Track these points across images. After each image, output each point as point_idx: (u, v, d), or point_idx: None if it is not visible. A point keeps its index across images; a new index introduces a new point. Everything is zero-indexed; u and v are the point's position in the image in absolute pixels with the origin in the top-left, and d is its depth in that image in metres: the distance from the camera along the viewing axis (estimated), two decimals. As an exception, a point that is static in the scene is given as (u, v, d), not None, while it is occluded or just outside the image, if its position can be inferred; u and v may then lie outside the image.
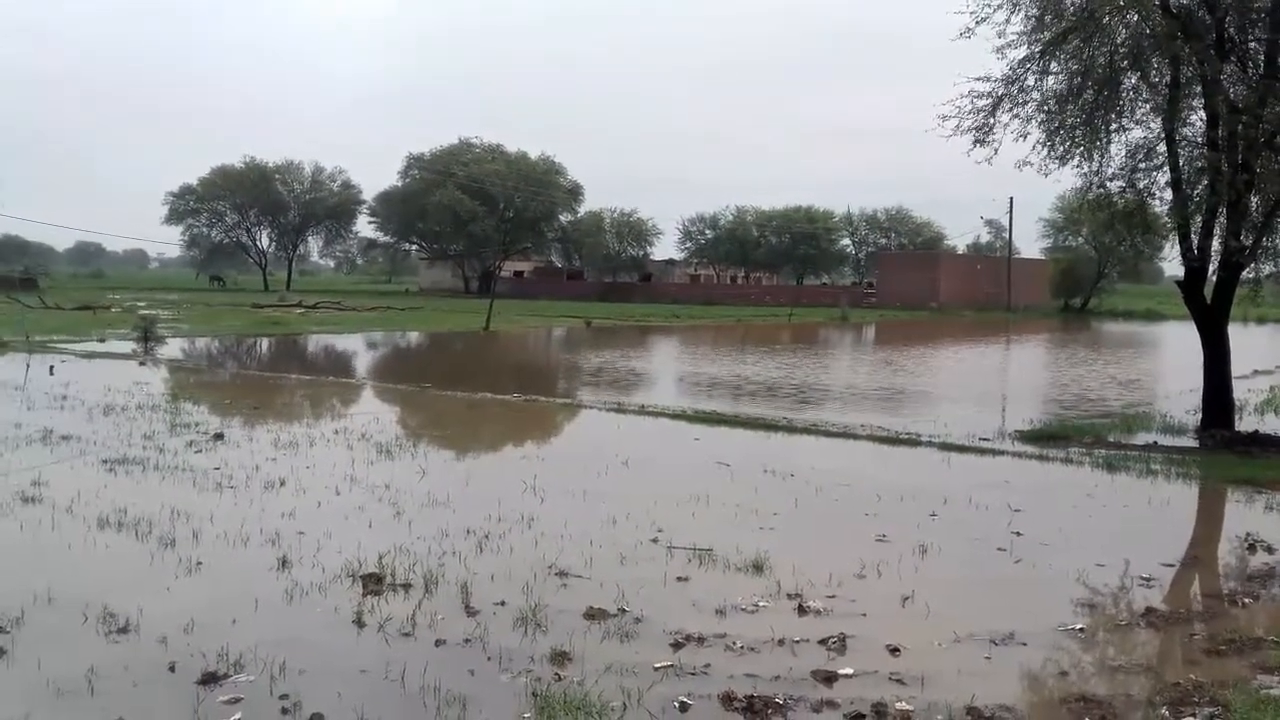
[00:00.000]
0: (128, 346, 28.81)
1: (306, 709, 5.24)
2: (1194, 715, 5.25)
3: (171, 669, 5.74)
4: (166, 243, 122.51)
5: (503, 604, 6.85)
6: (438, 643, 6.22)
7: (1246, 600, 7.44)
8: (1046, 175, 15.23)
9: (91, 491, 9.90)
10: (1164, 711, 5.36)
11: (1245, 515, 10.43)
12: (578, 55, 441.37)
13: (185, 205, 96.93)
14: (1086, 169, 15.18)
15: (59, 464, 11.46)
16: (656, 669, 5.82)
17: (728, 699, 5.44)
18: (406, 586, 7.23)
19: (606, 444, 13.61)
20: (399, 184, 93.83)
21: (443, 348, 35.73)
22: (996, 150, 15.28)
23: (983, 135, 15.17)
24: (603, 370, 26.84)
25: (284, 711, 5.24)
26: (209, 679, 5.59)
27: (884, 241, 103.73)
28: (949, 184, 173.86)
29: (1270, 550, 8.78)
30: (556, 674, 5.73)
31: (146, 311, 38.18)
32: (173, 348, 29.83)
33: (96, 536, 8.45)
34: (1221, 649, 6.38)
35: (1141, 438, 15.27)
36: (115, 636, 6.24)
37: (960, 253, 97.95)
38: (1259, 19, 14.34)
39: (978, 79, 15.08)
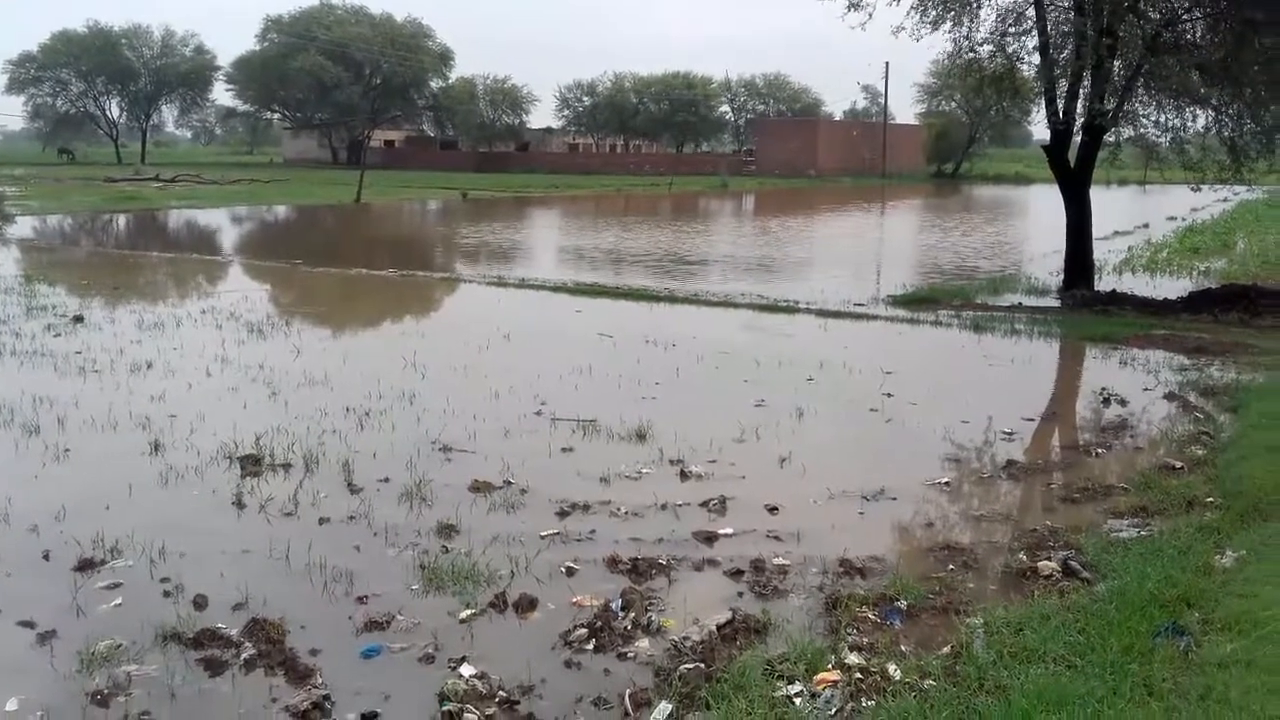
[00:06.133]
0: (-28, 226, 27.10)
1: (190, 591, 5.17)
2: (1049, 559, 5.59)
3: (46, 557, 5.61)
4: (8, 114, 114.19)
5: (386, 480, 6.83)
6: (321, 521, 6.18)
7: (1100, 450, 7.89)
8: (919, 40, 15.48)
9: (-57, 380, 9.43)
10: (1022, 556, 5.70)
11: (1102, 370, 11.00)
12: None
13: (26, 74, 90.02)
14: (958, 34, 15.40)
15: (-95, 352, 10.85)
16: (543, 537, 5.91)
17: (613, 562, 5.58)
18: (286, 466, 7.14)
19: (487, 318, 13.51)
20: (257, 49, 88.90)
21: (313, 222, 34.62)
22: (871, 15, 15.37)
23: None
24: (482, 243, 26.45)
25: (166, 594, 5.16)
26: (86, 565, 5.48)
27: (763, 108, 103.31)
28: (827, 49, 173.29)
29: (1123, 403, 9.30)
30: (444, 546, 5.78)
31: (-9, 188, 35.88)
32: (23, 226, 28.19)
33: (-48, 426, 8.09)
34: (1076, 497, 6.79)
35: (1007, 299, 15.89)
36: (-18, 527, 6.03)
37: (838, 119, 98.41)
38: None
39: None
